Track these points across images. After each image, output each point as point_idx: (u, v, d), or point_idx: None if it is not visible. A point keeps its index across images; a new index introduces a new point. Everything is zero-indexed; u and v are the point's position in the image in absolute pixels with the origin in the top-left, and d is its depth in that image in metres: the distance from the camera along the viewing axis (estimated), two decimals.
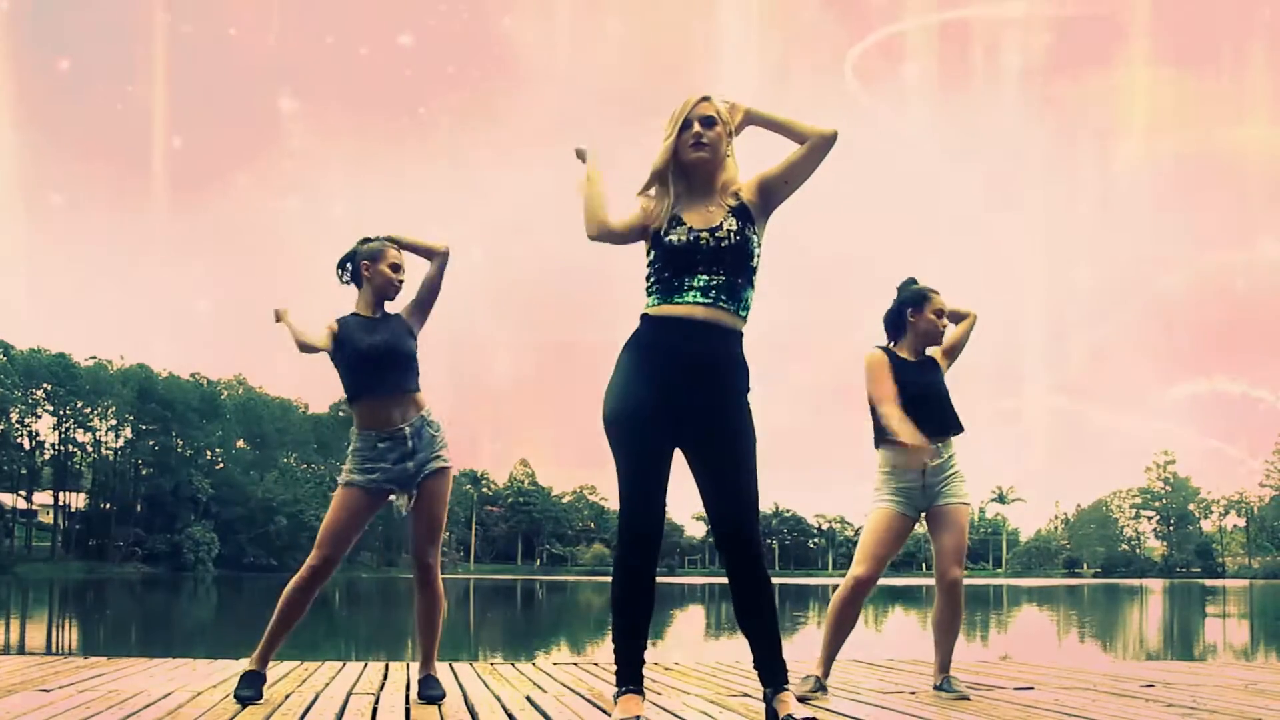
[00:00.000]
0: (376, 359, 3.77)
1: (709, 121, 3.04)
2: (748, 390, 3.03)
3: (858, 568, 4.04)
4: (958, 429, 4.15)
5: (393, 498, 3.80)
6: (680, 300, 2.95)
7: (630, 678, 2.97)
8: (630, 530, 2.96)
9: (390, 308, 3.94)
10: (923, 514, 4.12)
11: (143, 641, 16.20)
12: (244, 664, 3.90)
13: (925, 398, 4.08)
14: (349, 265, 3.93)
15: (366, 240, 3.93)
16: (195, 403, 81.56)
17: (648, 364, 2.96)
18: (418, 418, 3.81)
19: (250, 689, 3.67)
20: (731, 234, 2.99)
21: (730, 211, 3.03)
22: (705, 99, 3.06)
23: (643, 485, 2.95)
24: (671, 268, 2.97)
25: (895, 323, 4.24)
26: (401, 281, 3.90)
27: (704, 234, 2.98)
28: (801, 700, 3.81)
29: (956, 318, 4.30)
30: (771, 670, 2.97)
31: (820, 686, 4.01)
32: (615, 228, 3.04)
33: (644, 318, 3.02)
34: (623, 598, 2.99)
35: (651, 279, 3.02)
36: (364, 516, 3.78)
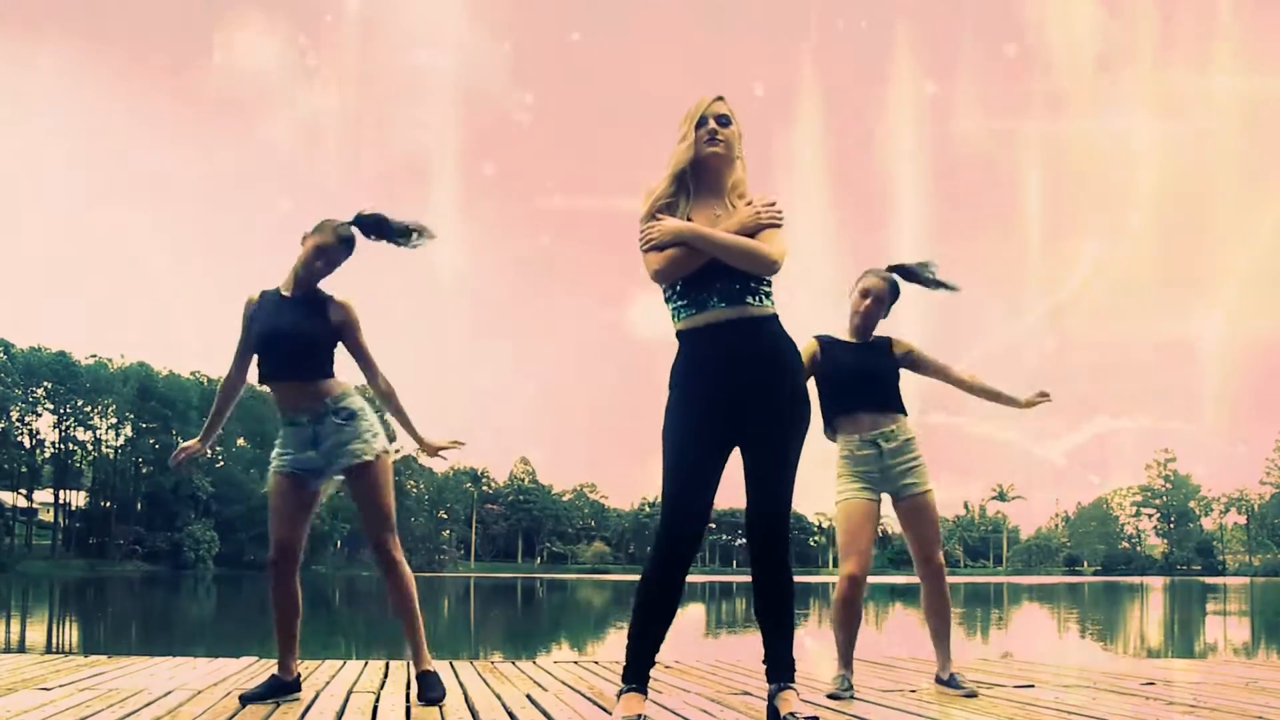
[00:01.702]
0: (276, 341, 3.68)
1: (724, 120, 3.05)
2: (796, 371, 3.03)
3: (846, 565, 4.04)
4: (897, 409, 4.15)
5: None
6: (706, 309, 2.97)
7: (635, 677, 2.98)
8: (670, 536, 2.96)
9: (328, 288, 3.78)
10: (886, 496, 4.13)
11: (143, 640, 16.19)
12: (245, 661, 3.89)
13: (860, 376, 4.13)
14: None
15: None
16: (196, 401, 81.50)
17: (696, 374, 2.98)
18: (321, 404, 3.68)
19: (261, 689, 3.67)
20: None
21: (736, 222, 3.02)
22: (720, 98, 3.07)
23: (684, 484, 2.96)
24: (690, 279, 2.98)
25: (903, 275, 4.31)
26: (320, 270, 3.72)
27: None
28: (833, 697, 3.88)
29: (979, 390, 4.28)
30: (779, 667, 2.99)
31: (848, 685, 4.02)
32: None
33: (679, 335, 3.04)
34: (649, 601, 3.00)
35: (672, 297, 3.03)
36: (294, 500, 3.68)
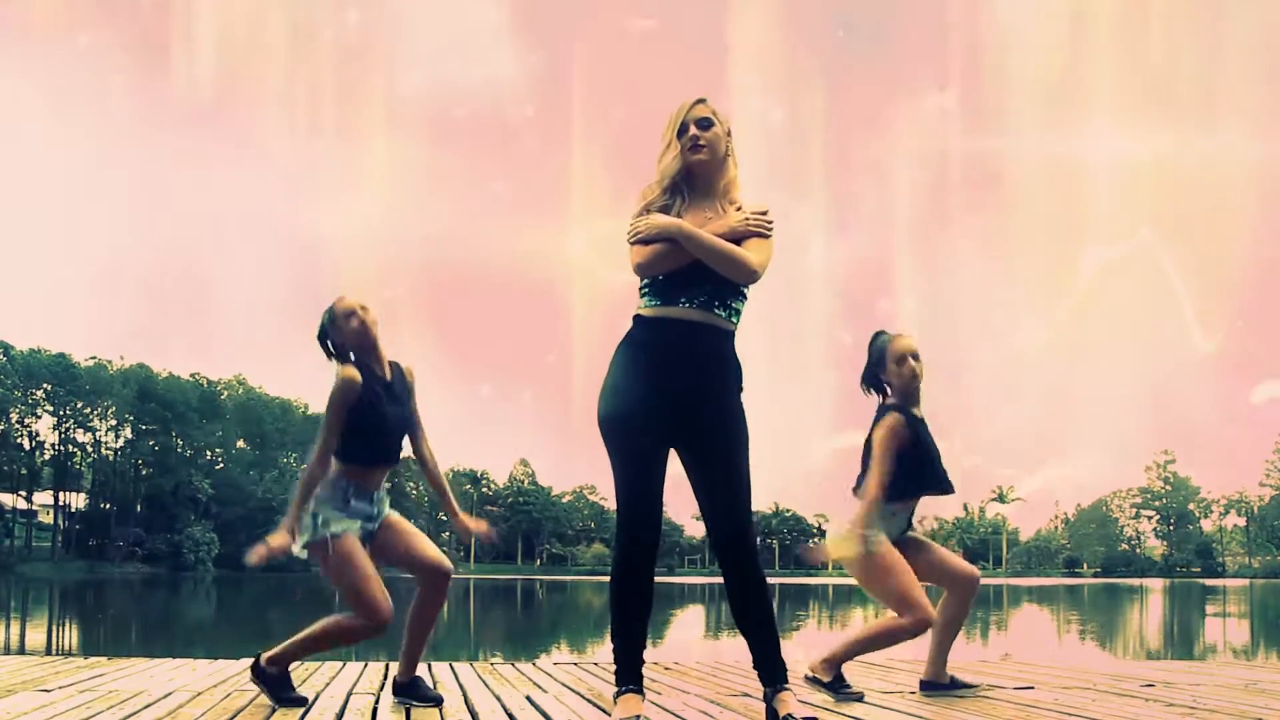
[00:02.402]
0: (393, 433, 3.69)
1: (705, 123, 3.03)
2: (740, 389, 3.03)
3: (923, 611, 3.89)
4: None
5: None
6: (673, 305, 2.96)
7: (630, 677, 2.97)
8: (628, 531, 2.96)
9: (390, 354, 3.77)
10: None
11: (143, 641, 16.19)
12: (246, 663, 3.86)
13: (937, 462, 4.04)
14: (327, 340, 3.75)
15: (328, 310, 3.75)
16: (195, 403, 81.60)
17: (642, 363, 2.96)
18: (384, 485, 3.76)
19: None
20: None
21: (730, 229, 3.00)
22: (700, 101, 3.06)
23: (640, 486, 2.96)
24: (668, 276, 2.97)
25: (874, 383, 4.12)
26: (365, 322, 3.68)
27: None
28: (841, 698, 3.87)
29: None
30: (770, 669, 2.97)
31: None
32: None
33: (637, 319, 3.03)
34: (622, 598, 2.99)
35: (646, 287, 3.02)
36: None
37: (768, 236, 3.01)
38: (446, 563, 3.74)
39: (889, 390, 4.07)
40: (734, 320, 3.02)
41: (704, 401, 2.95)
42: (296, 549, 3.56)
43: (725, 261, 2.94)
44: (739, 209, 3.04)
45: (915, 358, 4.03)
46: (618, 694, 2.97)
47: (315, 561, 3.58)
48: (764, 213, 3.02)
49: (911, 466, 3.95)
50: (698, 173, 3.05)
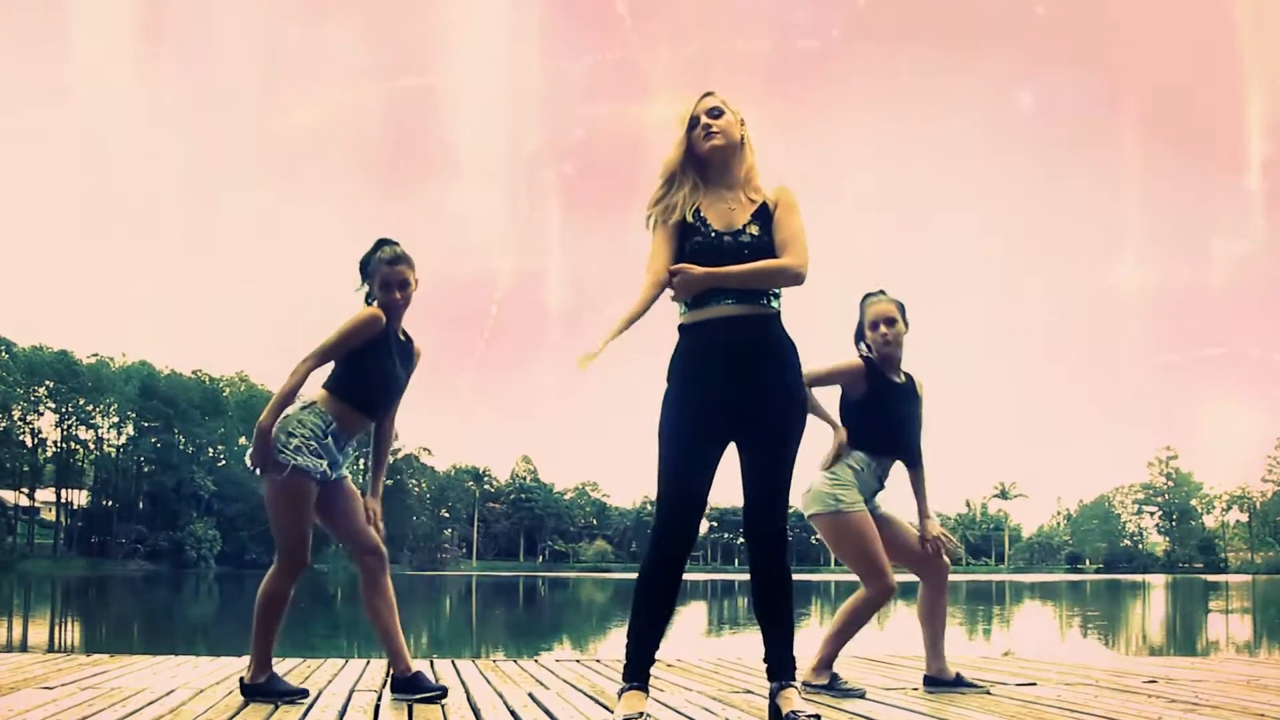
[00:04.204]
0: (397, 389, 3.77)
1: (715, 112, 3.05)
2: (795, 369, 3.02)
3: (887, 579, 3.93)
4: (914, 464, 4.11)
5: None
6: (711, 305, 2.97)
7: (637, 674, 2.97)
8: (666, 532, 2.96)
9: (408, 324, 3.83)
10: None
11: (145, 639, 16.20)
12: (247, 659, 3.84)
13: (907, 429, 4.06)
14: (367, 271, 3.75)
15: (384, 243, 3.75)
16: (197, 400, 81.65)
17: (690, 369, 2.98)
18: (364, 434, 3.80)
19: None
20: (754, 238, 3.00)
21: (753, 214, 3.04)
22: (708, 94, 3.07)
23: (680, 481, 2.96)
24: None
25: (864, 343, 4.15)
26: (399, 300, 3.71)
27: (727, 237, 2.99)
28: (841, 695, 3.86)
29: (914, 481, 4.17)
30: (780, 665, 2.99)
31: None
32: (663, 268, 2.99)
33: (681, 329, 3.04)
34: (648, 597, 2.99)
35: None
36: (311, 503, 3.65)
37: (796, 212, 3.02)
38: (375, 541, 3.73)
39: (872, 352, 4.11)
40: (774, 304, 3.02)
41: (765, 392, 2.96)
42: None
43: (766, 280, 2.97)
44: (760, 195, 3.06)
45: (890, 323, 4.03)
46: (622, 690, 2.97)
47: (264, 478, 3.57)
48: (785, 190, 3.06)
49: (865, 416, 3.97)
50: (715, 161, 3.06)
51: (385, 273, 3.68)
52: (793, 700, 2.93)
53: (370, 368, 3.66)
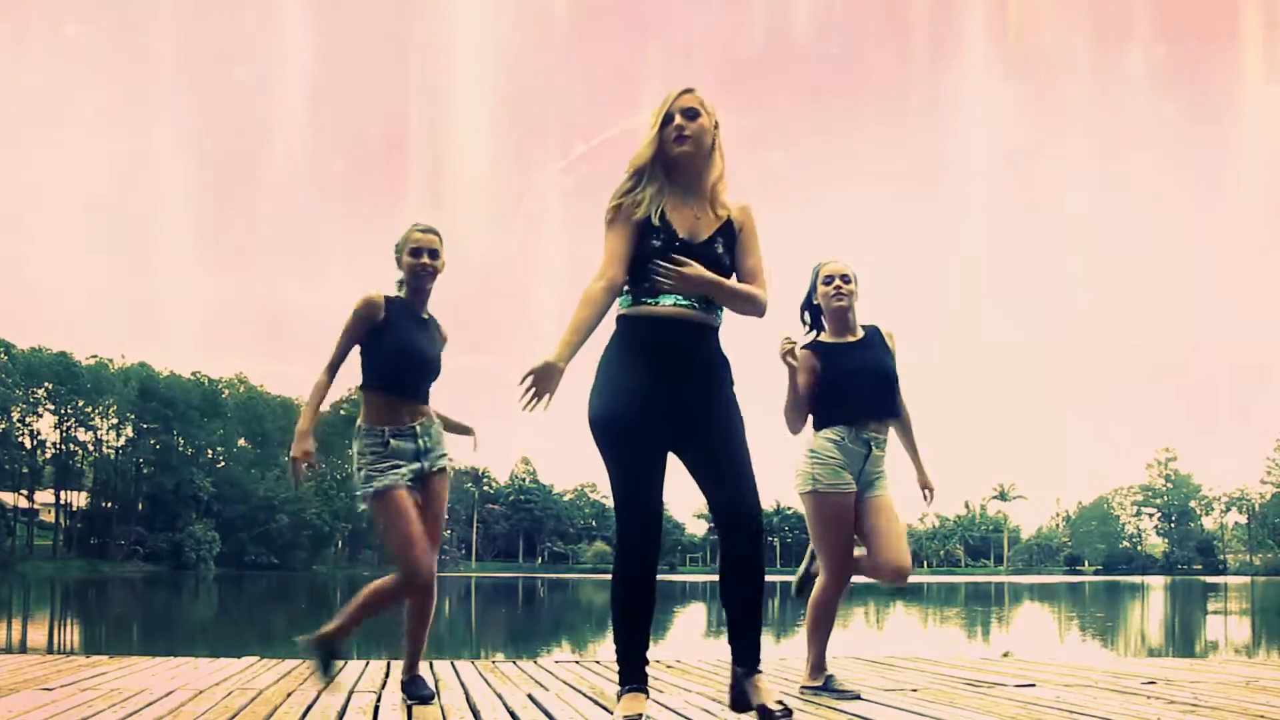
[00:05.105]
0: (422, 364, 3.70)
1: (691, 113, 2.95)
2: (732, 383, 3.00)
3: (847, 565, 3.95)
4: (890, 414, 4.02)
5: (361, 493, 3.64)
6: (655, 302, 2.92)
7: (633, 676, 2.95)
8: (630, 533, 2.93)
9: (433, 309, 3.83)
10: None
11: (144, 640, 16.18)
12: (247, 661, 3.86)
13: (856, 375, 3.96)
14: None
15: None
16: (196, 401, 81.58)
17: (631, 363, 2.92)
18: (427, 417, 3.74)
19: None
20: (713, 251, 2.96)
21: (719, 230, 2.99)
22: (688, 91, 2.98)
23: (639, 487, 2.92)
24: (649, 272, 2.91)
25: (811, 310, 4.13)
26: (427, 267, 3.70)
27: (686, 246, 2.93)
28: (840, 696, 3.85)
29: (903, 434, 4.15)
30: (746, 650, 2.92)
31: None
32: (621, 274, 2.93)
33: (620, 318, 2.97)
34: (625, 599, 2.96)
35: (626, 282, 2.95)
36: (416, 512, 3.63)
37: (758, 239, 3.02)
38: (429, 565, 3.62)
39: (822, 314, 4.08)
40: (719, 316, 2.99)
41: (701, 400, 2.92)
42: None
43: (747, 305, 2.97)
44: (726, 211, 3.01)
45: (845, 280, 4.02)
46: (621, 692, 2.96)
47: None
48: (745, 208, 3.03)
49: (822, 391, 3.96)
50: (682, 164, 2.97)
51: (416, 239, 3.71)
52: (766, 693, 2.87)
53: (387, 349, 3.64)
